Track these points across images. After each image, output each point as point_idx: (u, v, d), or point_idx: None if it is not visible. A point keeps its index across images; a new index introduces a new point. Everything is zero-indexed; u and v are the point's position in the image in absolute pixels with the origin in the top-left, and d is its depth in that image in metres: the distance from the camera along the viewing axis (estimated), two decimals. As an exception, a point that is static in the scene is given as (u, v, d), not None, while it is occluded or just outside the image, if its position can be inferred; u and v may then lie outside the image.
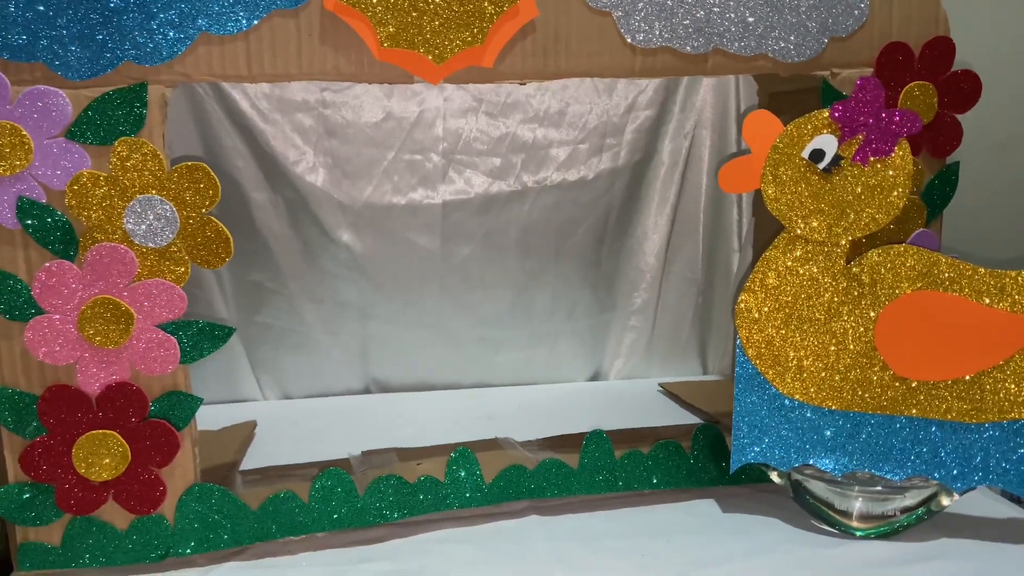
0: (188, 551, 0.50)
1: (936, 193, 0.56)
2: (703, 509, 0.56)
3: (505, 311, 0.82)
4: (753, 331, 0.52)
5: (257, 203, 0.75)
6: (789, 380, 0.52)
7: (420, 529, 0.53)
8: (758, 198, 0.51)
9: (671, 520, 0.55)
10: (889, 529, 0.53)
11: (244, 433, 0.67)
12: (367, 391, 0.82)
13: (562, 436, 0.62)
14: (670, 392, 0.80)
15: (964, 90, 0.54)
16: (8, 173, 0.44)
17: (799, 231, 0.51)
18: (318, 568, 0.49)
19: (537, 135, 0.79)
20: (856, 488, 0.53)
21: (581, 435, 0.56)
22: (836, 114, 0.49)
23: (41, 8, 0.43)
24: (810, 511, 0.54)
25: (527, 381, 0.84)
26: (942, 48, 0.53)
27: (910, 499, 0.53)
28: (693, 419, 0.71)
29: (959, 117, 0.55)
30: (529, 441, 0.62)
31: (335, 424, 0.72)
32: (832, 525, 0.54)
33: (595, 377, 0.86)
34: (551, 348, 0.84)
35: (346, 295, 0.79)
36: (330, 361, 0.81)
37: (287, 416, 0.75)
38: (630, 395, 0.81)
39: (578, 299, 0.84)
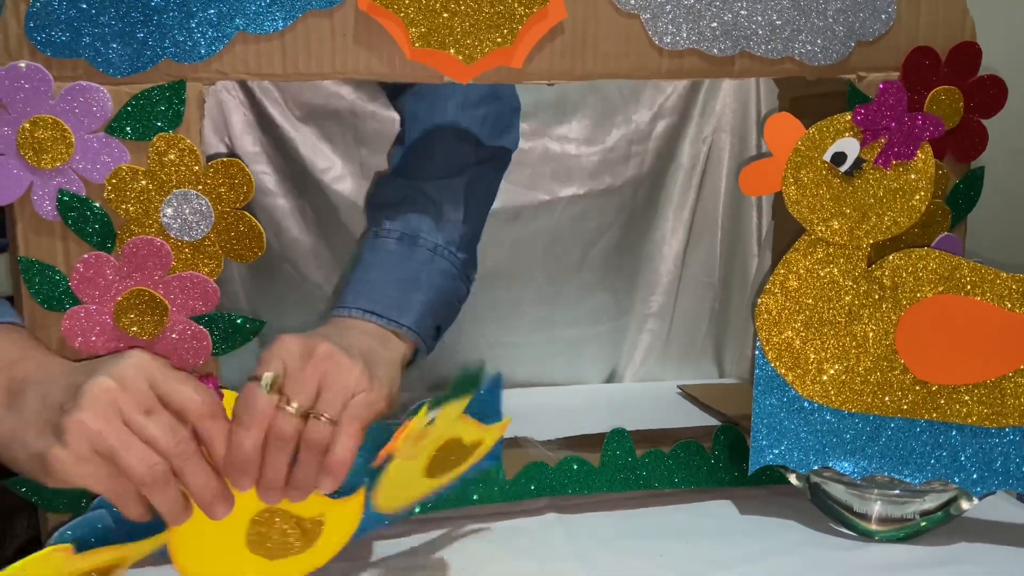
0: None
1: (960, 197, 0.56)
2: (721, 510, 0.56)
3: (527, 317, 0.83)
4: (773, 333, 0.52)
5: (283, 210, 0.76)
6: (809, 383, 0.52)
7: (440, 525, 0.54)
8: (778, 201, 0.51)
9: (689, 520, 0.55)
10: (908, 532, 0.53)
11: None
12: (389, 390, 0.83)
13: (582, 436, 0.63)
14: (689, 394, 0.80)
15: (990, 95, 0.54)
16: (49, 166, 0.45)
17: (820, 234, 0.51)
18: (334, 563, 0.50)
19: (566, 146, 0.80)
20: (875, 491, 0.53)
21: (601, 435, 0.57)
22: (858, 117, 0.49)
23: (84, 6, 0.45)
24: (829, 513, 0.55)
25: (546, 383, 0.84)
26: (968, 53, 0.54)
27: (929, 503, 0.53)
28: (712, 421, 0.71)
29: (985, 122, 0.55)
30: (549, 440, 0.63)
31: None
32: (851, 528, 0.54)
33: (611, 379, 0.87)
34: (570, 351, 0.85)
35: None
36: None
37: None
38: (647, 397, 0.81)
39: (598, 303, 0.85)
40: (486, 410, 0.47)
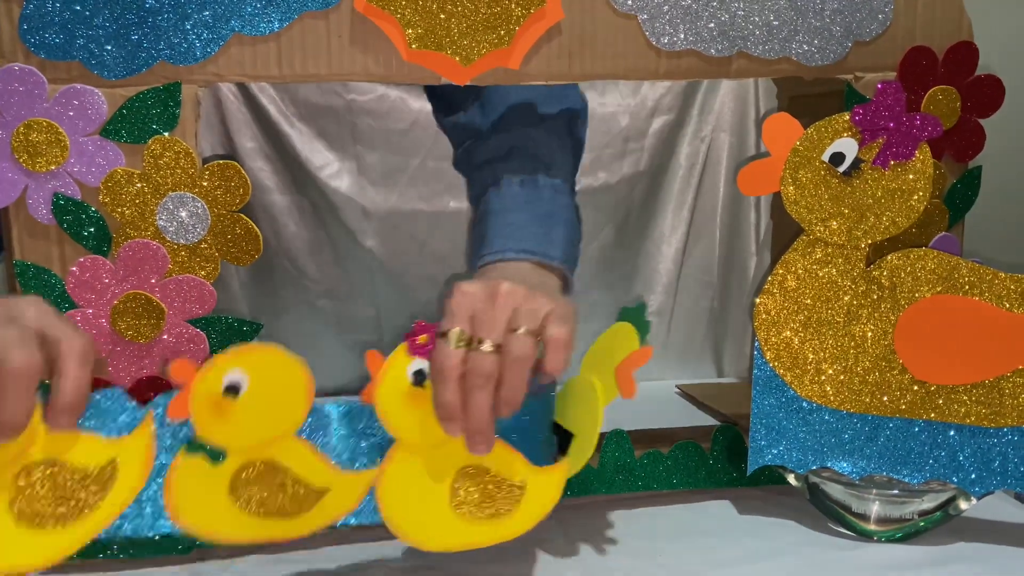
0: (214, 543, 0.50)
1: (958, 197, 0.56)
2: (720, 510, 0.56)
3: None
4: (771, 333, 0.52)
5: (280, 207, 0.76)
6: (807, 383, 0.52)
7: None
8: (776, 201, 0.51)
9: (688, 521, 0.55)
10: (906, 532, 0.53)
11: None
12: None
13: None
14: (687, 393, 0.80)
15: (987, 95, 0.54)
16: (44, 169, 0.45)
17: (819, 234, 0.51)
18: (340, 563, 0.50)
19: None
20: (874, 491, 0.53)
21: (600, 435, 0.57)
22: (857, 118, 0.49)
23: (78, 8, 0.44)
24: (827, 513, 0.55)
25: None
26: (965, 53, 0.54)
27: (928, 503, 0.53)
28: (710, 420, 0.71)
29: (982, 121, 0.55)
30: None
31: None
32: (849, 528, 0.54)
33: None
34: None
35: (367, 298, 0.80)
36: (350, 361, 0.81)
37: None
38: (645, 396, 0.81)
39: (595, 301, 0.85)
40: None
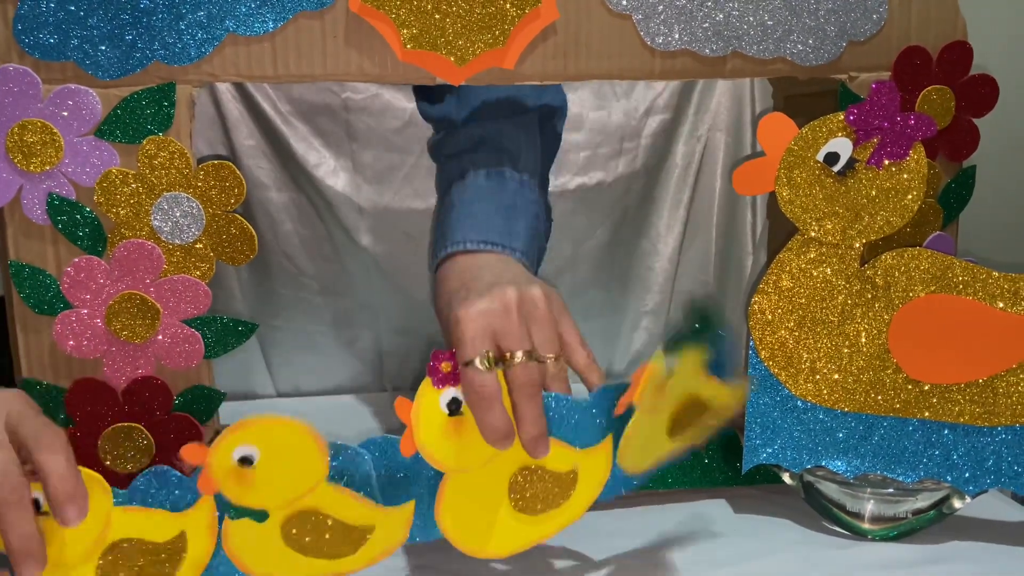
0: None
1: (952, 197, 0.56)
2: (714, 510, 0.57)
3: None
4: (766, 333, 0.52)
5: (277, 204, 0.76)
6: (802, 382, 0.52)
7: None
8: (773, 200, 0.52)
9: (683, 520, 0.55)
10: (901, 531, 0.53)
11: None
12: (382, 389, 0.83)
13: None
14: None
15: (981, 94, 0.54)
16: (39, 170, 0.45)
17: (813, 233, 0.51)
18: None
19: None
20: (868, 490, 0.53)
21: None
22: (851, 117, 0.49)
23: (72, 8, 0.44)
24: (822, 512, 0.55)
25: None
26: (959, 52, 0.54)
27: (922, 501, 0.53)
28: (705, 419, 0.71)
29: (976, 121, 0.55)
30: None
31: (349, 421, 0.73)
32: (844, 526, 0.54)
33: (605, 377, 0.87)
34: None
35: (364, 296, 0.80)
36: (345, 359, 0.81)
37: (301, 413, 0.75)
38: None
39: (591, 300, 0.85)
40: (721, 360, 0.46)
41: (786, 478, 0.55)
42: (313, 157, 0.76)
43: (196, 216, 0.47)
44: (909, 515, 0.53)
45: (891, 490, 0.53)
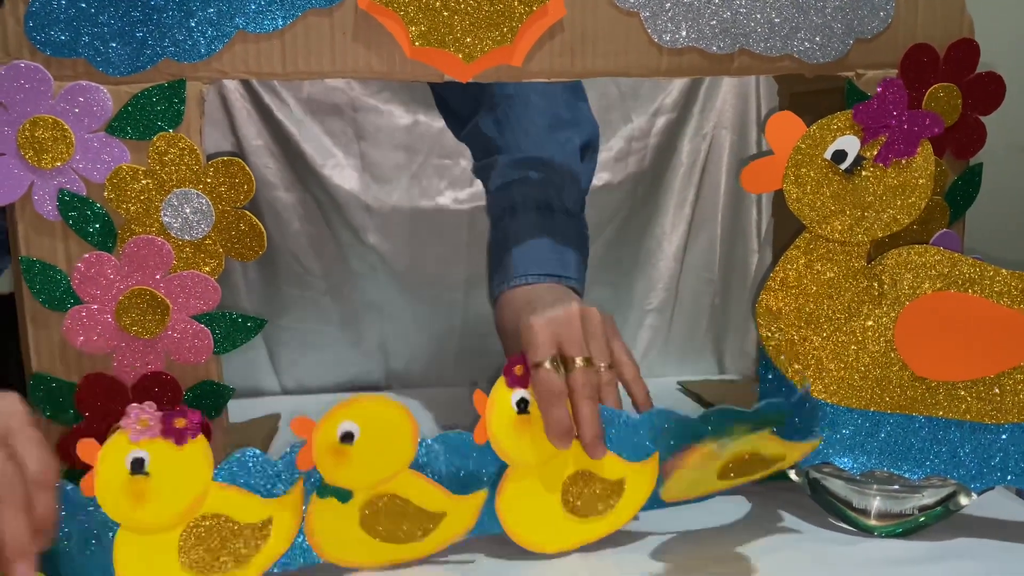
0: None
1: (959, 194, 0.56)
2: (720, 506, 0.56)
3: None
4: (773, 330, 0.52)
5: (284, 203, 0.76)
6: (808, 379, 0.52)
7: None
8: (778, 198, 0.52)
9: (688, 516, 0.55)
10: (907, 528, 0.53)
11: (268, 426, 0.68)
12: (388, 387, 0.83)
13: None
14: (689, 390, 0.80)
15: (988, 92, 0.54)
16: (50, 166, 0.45)
17: (820, 231, 0.51)
18: (333, 565, 0.50)
19: None
20: (874, 486, 0.53)
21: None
22: (858, 115, 0.49)
23: (83, 5, 0.45)
24: (828, 509, 0.55)
25: None
26: (966, 50, 0.54)
27: (928, 498, 0.53)
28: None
29: (983, 119, 0.55)
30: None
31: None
32: (850, 523, 0.54)
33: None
34: None
35: (370, 294, 0.80)
36: (351, 357, 0.82)
37: (308, 410, 0.75)
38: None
39: (597, 298, 0.85)
40: (800, 430, 0.51)
41: (792, 475, 0.55)
42: (321, 156, 0.76)
43: (206, 212, 0.47)
44: (915, 512, 0.53)
45: (897, 487, 0.53)
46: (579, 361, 0.48)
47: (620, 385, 0.52)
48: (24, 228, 0.46)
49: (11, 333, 0.49)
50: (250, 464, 0.44)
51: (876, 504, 0.53)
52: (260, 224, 0.48)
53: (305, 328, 0.80)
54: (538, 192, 0.63)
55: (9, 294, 0.50)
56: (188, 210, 0.47)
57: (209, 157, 0.47)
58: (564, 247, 0.61)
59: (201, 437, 0.42)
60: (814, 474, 0.54)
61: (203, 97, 0.47)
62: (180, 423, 0.42)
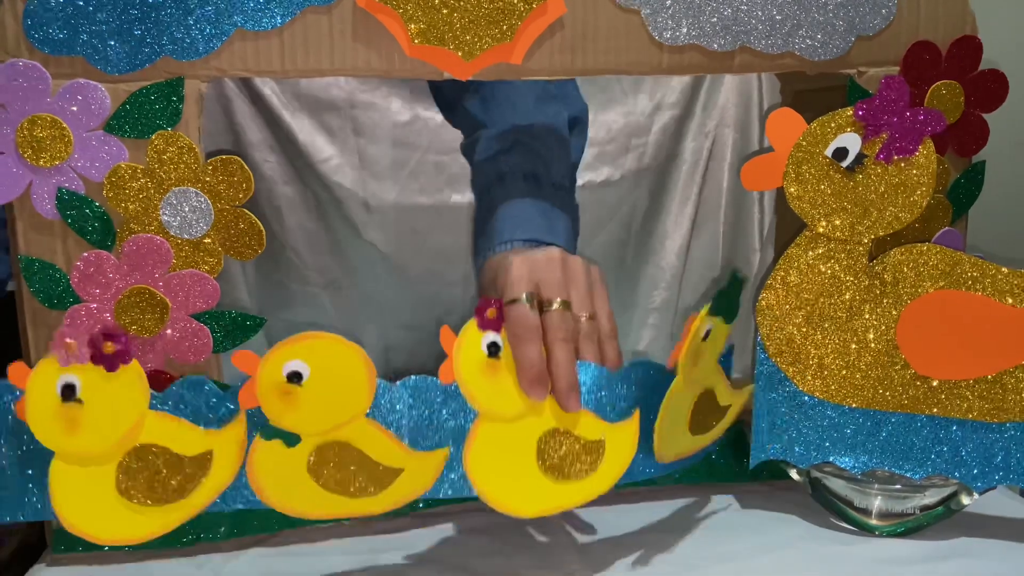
0: (219, 537, 0.51)
1: (962, 192, 0.56)
2: (721, 505, 0.56)
3: None
4: (774, 328, 0.52)
5: (283, 198, 0.76)
6: (809, 378, 0.52)
7: (440, 519, 0.54)
8: (780, 196, 0.51)
9: (690, 515, 0.55)
10: (908, 527, 0.53)
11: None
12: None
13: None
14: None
15: (991, 89, 0.54)
16: (48, 165, 0.45)
17: (821, 229, 0.51)
18: (340, 556, 0.50)
19: None
20: (876, 486, 0.53)
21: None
22: (860, 112, 0.49)
23: (81, 3, 0.44)
24: (829, 508, 0.55)
25: None
26: (969, 47, 0.53)
27: (930, 497, 0.53)
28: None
29: (985, 116, 0.55)
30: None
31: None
32: (851, 523, 0.54)
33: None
34: None
35: (369, 290, 0.80)
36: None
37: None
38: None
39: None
40: (729, 359, 0.52)
41: (793, 474, 0.55)
42: (320, 152, 0.76)
43: (205, 211, 0.47)
44: (917, 511, 0.53)
45: (899, 486, 0.53)
46: (556, 303, 0.46)
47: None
48: (23, 227, 0.46)
49: (10, 332, 0.49)
50: (191, 393, 0.41)
51: (877, 503, 0.53)
52: (259, 223, 0.48)
53: (304, 323, 0.80)
54: (525, 162, 0.60)
55: (9, 293, 0.50)
56: (187, 209, 0.47)
57: (208, 152, 0.47)
58: (552, 215, 0.58)
59: (135, 363, 0.39)
60: (815, 473, 0.54)
61: (202, 95, 0.47)
62: (109, 348, 0.39)
